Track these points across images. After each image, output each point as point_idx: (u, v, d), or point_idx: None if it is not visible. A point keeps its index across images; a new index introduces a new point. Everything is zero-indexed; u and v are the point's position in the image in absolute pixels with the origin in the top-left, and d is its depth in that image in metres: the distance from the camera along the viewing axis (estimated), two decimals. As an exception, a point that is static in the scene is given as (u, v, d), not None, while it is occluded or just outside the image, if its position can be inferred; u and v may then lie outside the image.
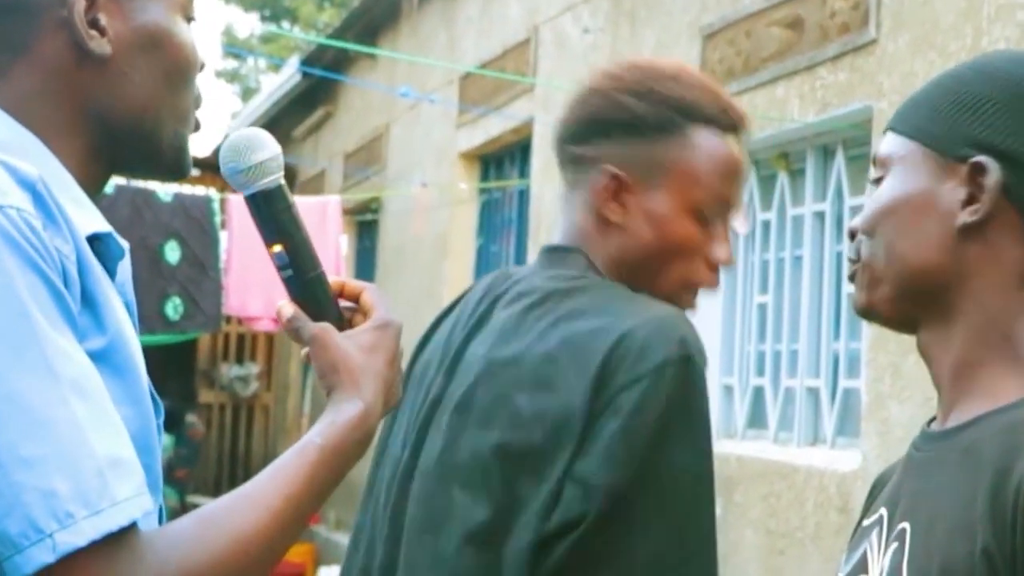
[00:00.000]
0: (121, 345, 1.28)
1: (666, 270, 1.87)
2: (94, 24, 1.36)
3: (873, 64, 5.53)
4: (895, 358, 5.25)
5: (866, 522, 1.41)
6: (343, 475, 1.33)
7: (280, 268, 1.41)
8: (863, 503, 1.54)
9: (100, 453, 1.15)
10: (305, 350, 1.43)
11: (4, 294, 1.16)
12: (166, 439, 12.97)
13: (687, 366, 1.71)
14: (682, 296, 1.88)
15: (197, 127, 1.49)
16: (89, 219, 1.32)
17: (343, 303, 1.47)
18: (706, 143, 1.86)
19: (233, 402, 15.11)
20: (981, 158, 1.31)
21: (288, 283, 1.42)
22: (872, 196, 1.40)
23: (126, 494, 1.16)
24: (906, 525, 1.29)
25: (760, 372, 6.69)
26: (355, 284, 1.48)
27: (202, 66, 1.49)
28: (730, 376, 6.86)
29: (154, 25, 1.40)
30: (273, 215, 1.39)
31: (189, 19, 1.47)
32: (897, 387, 5.24)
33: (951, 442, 1.30)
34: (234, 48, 23.56)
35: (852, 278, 1.41)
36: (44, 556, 1.12)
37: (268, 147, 1.39)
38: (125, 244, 1.40)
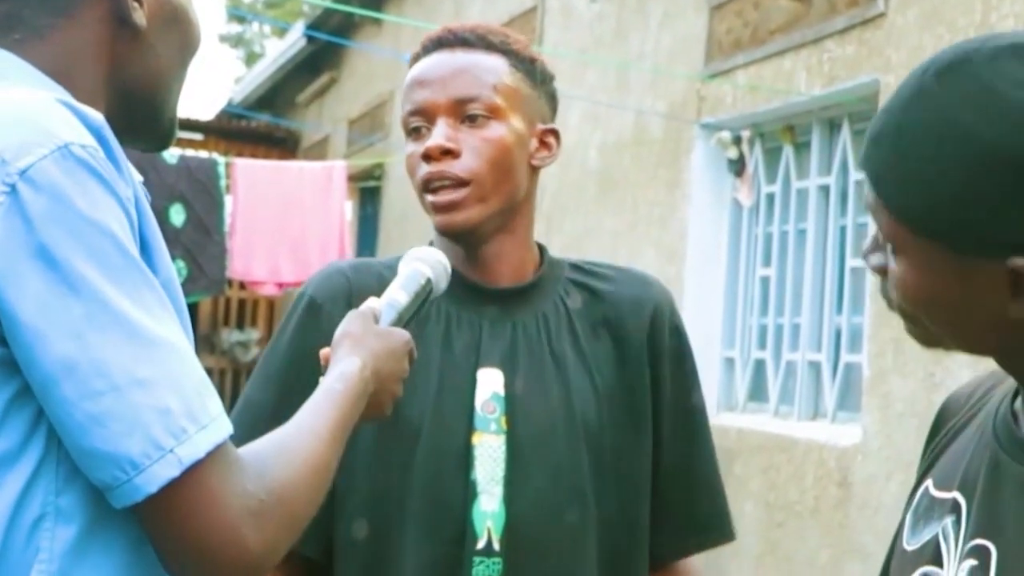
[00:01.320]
0: (171, 288, 1.33)
1: (416, 192, 1.99)
2: None
3: (881, 37, 5.50)
4: (897, 333, 5.23)
5: (938, 493, 1.34)
6: (355, 418, 1.47)
7: (390, 301, 1.69)
8: (929, 431, 1.46)
9: (195, 374, 1.24)
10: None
11: (97, 223, 1.21)
12: None
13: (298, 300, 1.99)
14: (427, 206, 1.96)
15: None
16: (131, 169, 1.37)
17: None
18: (402, 91, 2.02)
19: (233, 367, 15.09)
20: (1016, 262, 1.16)
21: (387, 307, 1.68)
22: (896, 271, 1.25)
23: (218, 410, 1.24)
24: (990, 546, 1.23)
25: (762, 345, 6.69)
26: None
27: None
28: (731, 349, 6.85)
29: (178, 1, 1.46)
30: (423, 292, 1.73)
31: None
32: (899, 362, 5.24)
33: None
34: (239, 12, 23.49)
35: (896, 312, 1.31)
36: (169, 471, 1.19)
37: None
38: (150, 196, 1.44)
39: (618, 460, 1.96)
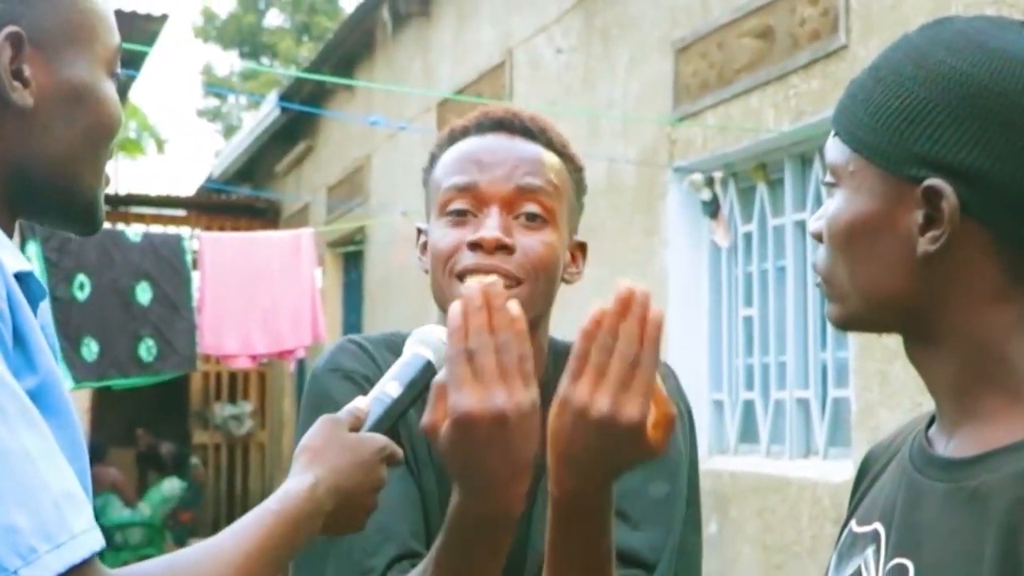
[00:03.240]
0: (53, 385, 1.25)
1: (438, 283, 1.80)
2: (18, 75, 1.33)
3: (845, 70, 5.49)
4: (882, 365, 5.20)
5: (859, 529, 1.33)
6: (298, 541, 1.38)
7: (379, 395, 1.56)
8: (854, 480, 1.46)
9: (55, 486, 1.15)
10: None
11: None
12: (178, 485, 12.94)
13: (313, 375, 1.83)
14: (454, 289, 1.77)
15: (107, 182, 1.45)
16: (11, 257, 1.29)
17: None
18: (441, 164, 1.84)
19: (228, 442, 15.01)
20: (934, 181, 1.20)
21: (374, 402, 1.56)
22: (828, 208, 1.30)
23: (83, 526, 1.16)
24: (908, 564, 1.22)
25: (749, 386, 6.64)
26: None
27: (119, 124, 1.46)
28: (719, 391, 6.80)
29: (79, 80, 1.37)
30: (421, 378, 1.58)
31: (113, 74, 1.43)
32: (885, 394, 5.19)
33: (956, 478, 1.21)
34: (214, 87, 23.57)
35: (820, 287, 1.33)
36: None
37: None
38: (45, 287, 1.37)
39: None
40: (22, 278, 1.29)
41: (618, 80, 7.41)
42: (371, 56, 11.84)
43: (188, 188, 17.50)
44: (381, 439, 1.49)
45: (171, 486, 12.88)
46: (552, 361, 1.86)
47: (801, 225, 6.23)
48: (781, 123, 5.98)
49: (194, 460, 13.82)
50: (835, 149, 1.29)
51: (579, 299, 1.96)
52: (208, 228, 12.02)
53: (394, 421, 1.56)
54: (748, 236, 6.66)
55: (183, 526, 12.88)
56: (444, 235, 1.78)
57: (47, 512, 1.14)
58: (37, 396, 1.23)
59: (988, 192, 1.20)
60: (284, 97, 13.13)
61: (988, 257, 1.21)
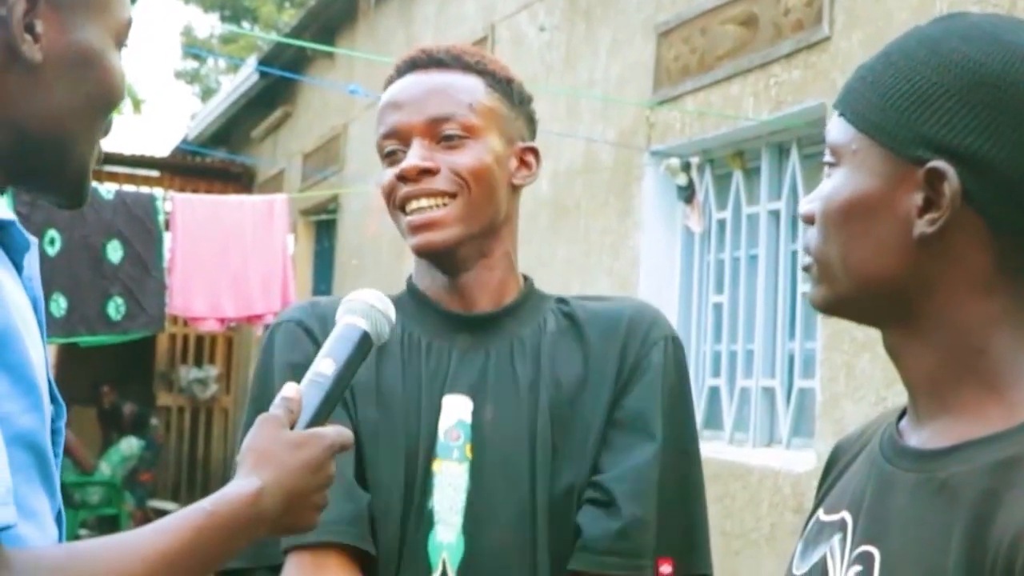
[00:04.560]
0: (9, 339, 1.22)
1: (392, 217, 1.96)
2: (30, 29, 1.32)
3: (827, 61, 5.50)
4: (849, 358, 5.21)
5: (826, 517, 1.34)
6: (230, 548, 1.32)
7: (315, 376, 1.50)
8: (823, 471, 1.46)
9: None
10: None
11: None
12: (136, 444, 12.89)
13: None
14: (404, 227, 1.92)
15: (100, 158, 1.44)
16: None
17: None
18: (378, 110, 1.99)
19: (192, 405, 14.97)
20: (938, 163, 1.21)
21: (310, 386, 1.49)
22: (824, 188, 1.31)
23: None
24: (874, 551, 1.23)
25: (716, 372, 6.66)
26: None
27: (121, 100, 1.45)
28: (686, 376, 6.81)
29: (88, 45, 1.36)
30: (356, 350, 1.53)
31: (121, 45, 1.42)
32: (851, 387, 5.21)
33: (927, 469, 1.22)
34: (194, 48, 23.42)
35: (807, 270, 1.34)
36: None
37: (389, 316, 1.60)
38: (33, 239, 1.35)
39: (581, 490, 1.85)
40: (4, 227, 1.27)
41: (599, 61, 7.39)
42: (353, 25, 11.78)
43: (163, 149, 17.37)
44: (329, 435, 1.43)
45: (129, 445, 12.83)
46: (529, 296, 1.97)
47: (775, 215, 6.24)
48: (760, 112, 5.98)
49: (154, 420, 13.79)
50: (838, 128, 1.30)
51: (552, 277, 1.98)
52: (182, 190, 11.92)
53: (335, 405, 1.50)
54: (722, 223, 6.67)
55: (143, 486, 12.86)
56: (383, 175, 1.93)
57: None
58: None
59: (991, 180, 1.21)
60: (263, 62, 13.07)
61: (981, 246, 1.23)
